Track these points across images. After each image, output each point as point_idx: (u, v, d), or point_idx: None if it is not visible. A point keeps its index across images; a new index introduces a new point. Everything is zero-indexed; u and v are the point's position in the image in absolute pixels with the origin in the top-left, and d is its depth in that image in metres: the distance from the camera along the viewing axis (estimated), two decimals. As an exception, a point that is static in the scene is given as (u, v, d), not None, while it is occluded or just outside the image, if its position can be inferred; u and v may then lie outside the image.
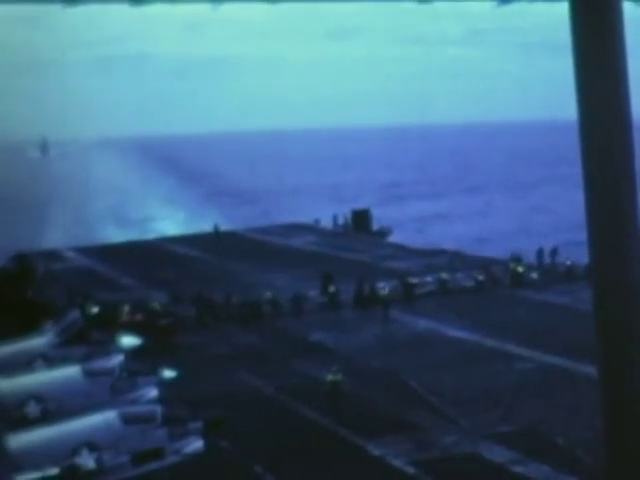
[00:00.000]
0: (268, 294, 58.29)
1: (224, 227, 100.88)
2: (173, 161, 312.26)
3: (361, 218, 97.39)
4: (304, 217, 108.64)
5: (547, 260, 68.90)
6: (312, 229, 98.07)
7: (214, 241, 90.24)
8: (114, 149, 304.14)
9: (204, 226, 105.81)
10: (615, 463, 13.59)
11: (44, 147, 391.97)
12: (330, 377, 40.28)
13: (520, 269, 64.22)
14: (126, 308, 55.63)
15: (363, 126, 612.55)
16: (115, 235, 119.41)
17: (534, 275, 63.88)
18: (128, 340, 40.42)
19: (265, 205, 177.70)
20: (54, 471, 29.01)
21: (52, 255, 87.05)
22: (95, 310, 54.35)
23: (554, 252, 69.58)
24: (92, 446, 29.66)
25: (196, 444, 30.68)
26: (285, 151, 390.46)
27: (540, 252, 69.82)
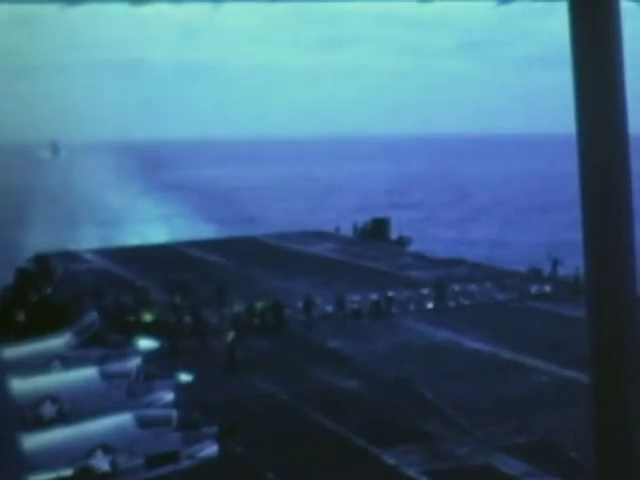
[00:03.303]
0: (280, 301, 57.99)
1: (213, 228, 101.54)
2: (163, 165, 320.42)
3: (380, 226, 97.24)
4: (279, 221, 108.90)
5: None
6: (331, 237, 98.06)
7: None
8: (105, 153, 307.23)
9: (194, 228, 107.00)
10: (606, 470, 13.69)
11: (55, 148, 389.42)
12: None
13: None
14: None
15: (355, 136, 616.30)
16: (93, 237, 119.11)
17: (547, 288, 63.73)
18: (145, 343, 40.58)
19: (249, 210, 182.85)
20: (68, 472, 29.12)
21: (71, 256, 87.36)
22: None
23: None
24: (107, 448, 29.75)
25: (210, 449, 30.73)
26: (272, 157, 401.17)
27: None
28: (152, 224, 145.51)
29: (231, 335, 48.32)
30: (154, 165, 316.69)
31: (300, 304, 58.86)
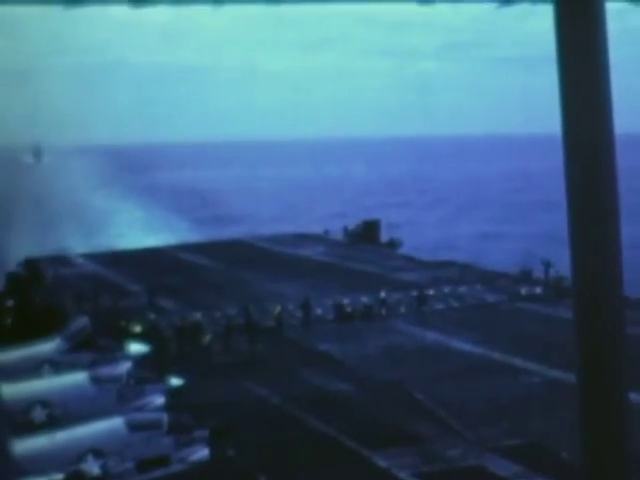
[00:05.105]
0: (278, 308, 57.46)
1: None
2: (146, 168, 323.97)
3: (371, 229, 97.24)
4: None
5: None
6: (322, 239, 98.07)
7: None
8: (88, 156, 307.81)
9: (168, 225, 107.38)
10: (593, 470, 13.73)
11: (37, 153, 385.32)
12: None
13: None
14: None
15: (335, 138, 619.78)
16: (73, 239, 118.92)
17: (537, 290, 63.87)
18: (136, 347, 40.54)
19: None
20: (59, 477, 29.07)
21: (61, 261, 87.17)
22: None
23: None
24: (97, 452, 29.71)
25: (202, 452, 30.72)
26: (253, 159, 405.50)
27: None
28: (130, 225, 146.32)
29: (208, 338, 48.42)
30: (136, 168, 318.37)
31: (290, 307, 58.84)
